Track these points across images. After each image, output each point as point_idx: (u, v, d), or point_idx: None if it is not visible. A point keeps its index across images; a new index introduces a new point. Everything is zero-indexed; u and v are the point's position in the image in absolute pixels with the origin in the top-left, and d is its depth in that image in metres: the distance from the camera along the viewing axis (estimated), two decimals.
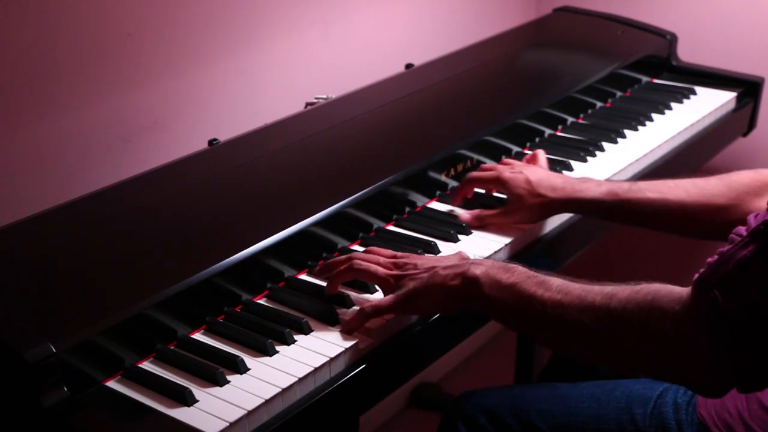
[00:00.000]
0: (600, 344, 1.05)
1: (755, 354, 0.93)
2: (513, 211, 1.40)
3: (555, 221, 1.45)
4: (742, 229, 0.96)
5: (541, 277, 1.10)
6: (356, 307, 1.19)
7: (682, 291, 0.98)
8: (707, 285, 0.94)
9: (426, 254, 1.29)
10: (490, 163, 1.51)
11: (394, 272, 1.18)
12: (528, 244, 1.41)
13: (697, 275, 0.96)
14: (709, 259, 0.96)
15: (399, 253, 1.23)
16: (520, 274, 1.11)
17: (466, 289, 1.13)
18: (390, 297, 1.16)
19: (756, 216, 0.96)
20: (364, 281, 1.21)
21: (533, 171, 1.43)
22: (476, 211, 1.41)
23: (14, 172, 1.45)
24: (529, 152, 1.66)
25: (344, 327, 1.15)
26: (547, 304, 1.06)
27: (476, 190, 1.48)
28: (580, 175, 1.49)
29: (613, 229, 1.57)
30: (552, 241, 1.44)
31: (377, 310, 1.15)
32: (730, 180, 1.37)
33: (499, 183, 1.42)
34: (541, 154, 1.52)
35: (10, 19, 1.39)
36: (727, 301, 0.92)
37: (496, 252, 1.34)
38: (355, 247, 1.34)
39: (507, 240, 1.37)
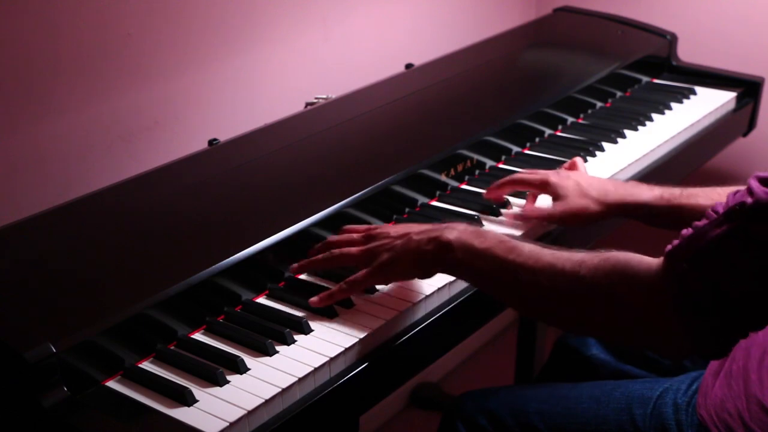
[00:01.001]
0: (568, 310, 1.07)
1: (717, 326, 0.96)
2: (562, 213, 1.37)
3: None
4: (720, 206, 0.97)
5: (513, 242, 1.11)
6: (356, 306, 1.19)
7: (652, 261, 1.00)
8: (678, 258, 0.97)
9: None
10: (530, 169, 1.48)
11: (369, 246, 1.20)
12: (537, 238, 1.40)
13: (669, 246, 0.98)
14: (684, 231, 0.97)
15: (373, 226, 1.24)
16: (492, 239, 1.12)
17: (440, 254, 1.15)
18: (365, 270, 1.17)
19: (735, 194, 0.96)
20: (344, 266, 1.22)
21: (581, 175, 1.42)
22: (520, 211, 1.40)
23: (14, 172, 1.45)
24: (529, 152, 1.66)
25: (320, 296, 1.16)
26: (518, 270, 1.08)
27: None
28: None
29: (619, 225, 1.57)
30: (560, 235, 1.43)
31: (353, 283, 1.16)
32: None
33: (545, 186, 1.40)
34: (580, 162, 1.50)
35: (10, 19, 1.39)
36: (695, 277, 0.95)
37: None
38: None
39: (517, 233, 1.37)
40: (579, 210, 1.37)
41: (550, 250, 1.09)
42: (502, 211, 1.42)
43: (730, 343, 0.99)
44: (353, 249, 1.21)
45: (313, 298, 1.17)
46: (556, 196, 1.39)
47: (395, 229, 1.21)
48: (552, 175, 1.41)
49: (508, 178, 1.44)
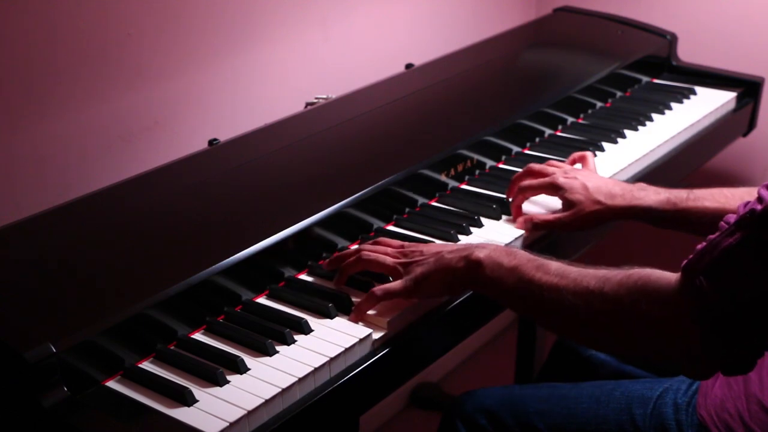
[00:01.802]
0: (593, 327, 1.08)
1: (738, 340, 0.96)
2: (571, 218, 1.38)
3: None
4: (732, 217, 0.97)
5: (541, 260, 1.13)
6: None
7: (671, 276, 1.00)
8: (694, 271, 0.97)
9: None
10: (536, 165, 1.46)
11: (402, 260, 1.21)
12: (538, 238, 1.41)
13: (685, 261, 0.98)
14: (699, 246, 0.98)
15: (406, 243, 1.26)
16: (521, 258, 1.14)
17: (470, 272, 1.16)
18: (399, 281, 1.19)
19: (746, 204, 0.96)
20: (373, 271, 1.23)
21: (588, 176, 1.41)
22: (529, 216, 1.39)
23: (14, 172, 1.45)
24: (529, 152, 1.66)
25: (355, 311, 1.17)
26: (544, 287, 1.10)
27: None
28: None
29: (619, 226, 1.57)
30: (564, 234, 1.43)
31: (387, 293, 1.18)
32: None
33: (555, 188, 1.40)
34: (590, 156, 1.50)
35: (10, 19, 1.39)
36: (712, 289, 0.95)
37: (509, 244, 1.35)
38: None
39: (517, 233, 1.38)
40: (587, 215, 1.37)
41: (577, 268, 1.09)
42: (516, 222, 1.41)
43: (755, 356, 0.97)
44: (388, 258, 1.22)
45: (351, 316, 1.17)
46: (564, 200, 1.39)
47: (428, 247, 1.22)
48: (558, 176, 1.41)
49: (518, 190, 1.43)
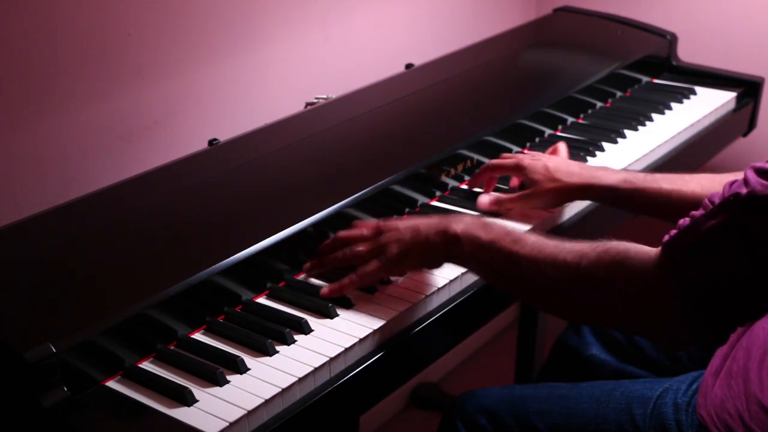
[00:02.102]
0: (570, 300, 1.10)
1: (714, 315, 0.97)
2: (530, 195, 1.41)
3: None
4: (716, 196, 0.97)
5: (518, 234, 1.14)
6: (356, 306, 1.19)
7: (650, 251, 1.02)
8: (674, 248, 0.98)
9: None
10: (508, 153, 1.52)
11: (379, 240, 1.22)
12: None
13: (667, 237, 1.00)
14: (681, 221, 0.98)
15: (381, 221, 1.26)
16: (498, 231, 1.16)
17: (448, 246, 1.18)
18: (375, 262, 1.20)
19: (732, 184, 0.97)
20: (355, 264, 1.23)
21: (552, 158, 1.45)
22: (494, 195, 1.43)
23: (14, 172, 1.45)
24: (529, 152, 1.66)
25: (332, 285, 1.19)
26: (521, 261, 1.11)
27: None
28: None
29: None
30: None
31: (364, 275, 1.19)
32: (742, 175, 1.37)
33: (519, 169, 1.44)
34: (562, 146, 1.54)
35: (10, 18, 1.39)
36: (692, 268, 0.96)
37: None
38: None
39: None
40: (545, 192, 1.41)
41: (554, 242, 1.11)
42: (478, 199, 1.44)
43: (726, 332, 1.00)
44: (362, 247, 1.23)
45: (324, 289, 1.19)
46: (527, 180, 1.43)
47: (404, 223, 1.24)
48: (524, 159, 1.45)
49: (484, 166, 1.49)
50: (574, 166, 1.43)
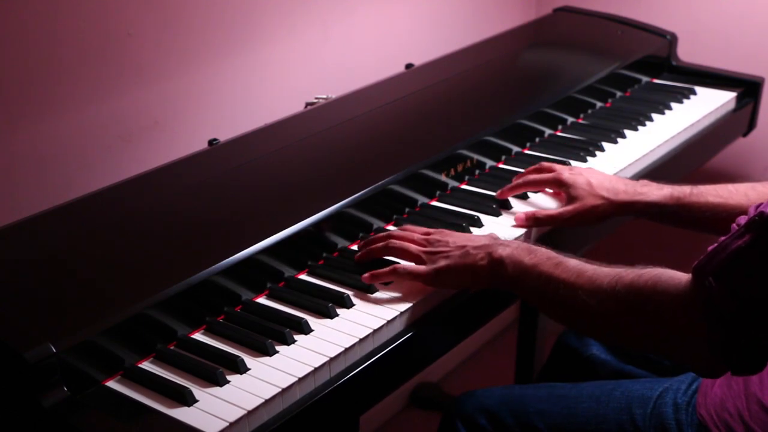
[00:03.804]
0: (606, 324, 1.10)
1: (748, 340, 0.96)
2: (573, 212, 1.39)
3: None
4: (743, 219, 0.97)
5: (560, 258, 1.15)
6: (356, 307, 1.19)
7: (682, 277, 1.01)
8: (704, 273, 0.97)
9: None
10: (546, 163, 1.49)
11: (427, 249, 1.24)
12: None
13: (696, 262, 0.99)
14: (710, 247, 0.98)
15: (432, 230, 1.28)
16: (541, 256, 1.16)
17: (492, 269, 1.19)
18: (423, 267, 1.21)
19: (757, 207, 0.96)
20: (398, 258, 1.25)
21: (593, 173, 1.43)
22: (530, 212, 1.40)
23: (14, 172, 1.45)
24: (529, 152, 1.66)
25: (372, 274, 1.21)
26: (561, 286, 1.12)
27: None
28: None
29: (622, 222, 1.57)
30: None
31: (409, 273, 1.21)
32: None
33: (559, 184, 1.42)
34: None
35: (10, 18, 1.39)
36: (721, 290, 0.95)
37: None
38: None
39: (517, 233, 1.38)
40: (590, 210, 1.39)
41: (593, 266, 1.11)
42: (515, 216, 1.41)
43: (763, 357, 0.98)
44: (413, 246, 1.25)
45: (366, 275, 1.21)
46: (568, 196, 1.41)
47: (453, 239, 1.25)
48: (564, 173, 1.43)
49: (522, 180, 1.45)
50: (618, 182, 1.41)
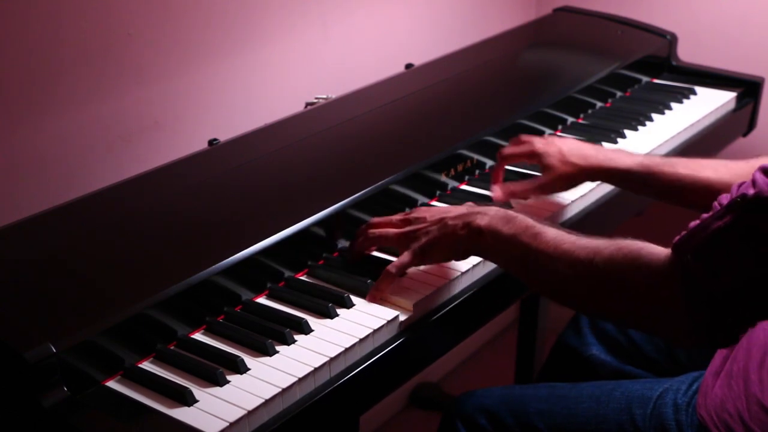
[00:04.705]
0: (583, 296, 1.12)
1: (724, 316, 0.98)
2: (545, 182, 1.42)
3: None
4: (725, 198, 0.98)
5: (538, 228, 1.15)
6: (356, 307, 1.19)
7: (661, 251, 1.03)
8: (683, 250, 0.99)
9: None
10: (524, 135, 1.51)
11: (406, 229, 1.24)
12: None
13: (677, 238, 1.00)
14: (691, 224, 0.99)
15: (410, 210, 1.29)
16: (519, 225, 1.17)
17: (471, 239, 1.20)
18: (407, 253, 1.22)
19: (740, 185, 0.97)
20: (382, 245, 1.27)
21: (566, 142, 1.45)
22: (506, 186, 1.43)
23: (14, 172, 1.45)
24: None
25: (372, 291, 1.20)
26: (539, 256, 1.13)
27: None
28: None
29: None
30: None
31: (399, 267, 1.21)
32: (757, 163, 1.37)
33: (532, 155, 1.45)
34: None
35: (10, 18, 1.39)
36: (700, 268, 0.97)
37: None
38: None
39: None
40: (561, 176, 1.41)
41: (572, 237, 1.12)
42: (492, 193, 1.45)
43: (737, 332, 1.00)
44: (391, 231, 1.26)
45: (369, 296, 1.21)
46: (542, 165, 1.43)
47: (430, 213, 1.25)
48: (537, 143, 1.45)
49: (499, 157, 1.48)
50: (589, 148, 1.43)
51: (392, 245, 1.26)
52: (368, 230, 1.28)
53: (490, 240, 1.18)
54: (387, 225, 1.28)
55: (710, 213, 0.98)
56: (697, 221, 0.99)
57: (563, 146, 1.43)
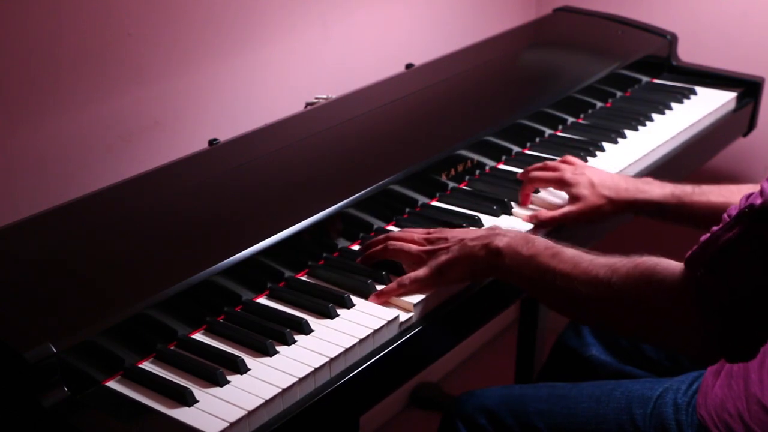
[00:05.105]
0: (601, 314, 1.12)
1: (739, 329, 0.98)
2: (576, 212, 1.41)
3: None
4: (734, 210, 0.98)
5: (557, 248, 1.16)
6: (357, 307, 1.19)
7: (676, 267, 1.03)
8: (695, 263, 0.99)
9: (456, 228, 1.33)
10: (552, 162, 1.50)
11: (427, 248, 1.24)
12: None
13: (689, 253, 1.01)
14: (702, 237, 0.99)
15: (432, 229, 1.29)
16: (539, 246, 1.17)
17: (490, 260, 1.20)
18: (424, 269, 1.21)
19: (748, 197, 0.97)
20: (399, 260, 1.26)
21: (596, 172, 1.44)
22: (533, 212, 1.42)
23: (14, 172, 1.45)
24: (529, 152, 1.66)
25: (380, 294, 1.20)
26: (557, 276, 1.13)
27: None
28: None
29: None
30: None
31: (414, 281, 1.20)
32: None
33: (562, 184, 1.44)
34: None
35: (10, 18, 1.39)
36: (712, 281, 0.97)
37: None
38: (355, 247, 1.34)
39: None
40: (592, 209, 1.40)
41: (590, 256, 1.13)
42: (515, 211, 1.43)
43: (756, 345, 0.99)
44: (412, 247, 1.25)
45: (371, 298, 1.20)
46: (571, 195, 1.42)
47: (452, 234, 1.25)
48: (567, 172, 1.44)
49: (527, 180, 1.47)
50: (621, 181, 1.43)
51: (411, 260, 1.25)
52: (389, 241, 1.27)
53: (508, 261, 1.18)
54: (408, 240, 1.27)
55: (720, 226, 0.98)
56: (708, 234, 0.99)
57: (594, 177, 1.42)
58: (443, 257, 1.22)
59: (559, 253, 1.15)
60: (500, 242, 1.19)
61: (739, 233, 0.94)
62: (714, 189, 1.38)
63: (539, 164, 1.50)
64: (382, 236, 1.29)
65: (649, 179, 1.44)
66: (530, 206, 1.46)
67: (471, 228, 1.33)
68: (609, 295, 1.08)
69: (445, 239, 1.25)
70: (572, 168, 1.46)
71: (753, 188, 1.35)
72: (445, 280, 1.22)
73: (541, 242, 1.18)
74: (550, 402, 1.38)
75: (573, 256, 1.14)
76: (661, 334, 1.07)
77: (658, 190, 1.40)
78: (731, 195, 1.36)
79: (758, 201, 0.94)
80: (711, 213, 1.35)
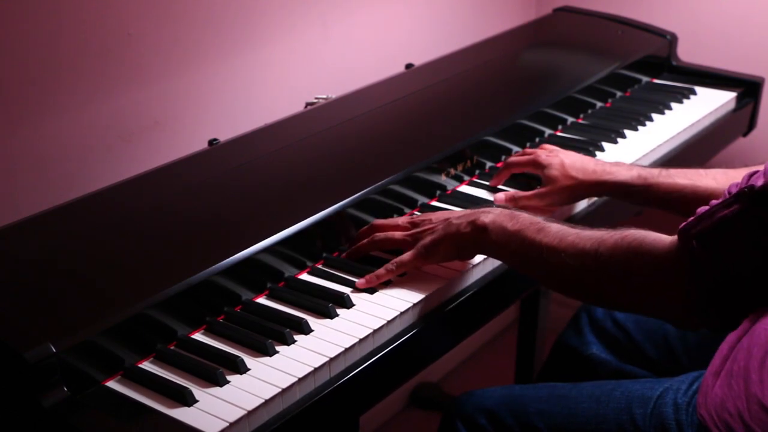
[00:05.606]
0: (589, 286, 1.14)
1: (725, 303, 1.01)
2: (546, 192, 1.44)
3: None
4: (735, 186, 0.99)
5: (543, 223, 1.18)
6: (356, 307, 1.19)
7: (666, 238, 1.05)
8: (689, 235, 1.01)
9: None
10: (529, 148, 1.56)
11: (412, 231, 1.27)
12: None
13: (683, 224, 1.02)
14: (699, 209, 1.00)
15: (416, 214, 1.32)
16: (524, 221, 1.19)
17: (477, 237, 1.22)
18: (410, 252, 1.24)
19: (751, 175, 0.99)
20: (387, 248, 1.28)
21: (568, 155, 1.48)
22: (510, 193, 1.46)
23: (14, 172, 1.45)
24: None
25: (368, 278, 1.22)
26: (544, 250, 1.15)
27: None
28: None
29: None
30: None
31: (400, 264, 1.23)
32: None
33: (535, 166, 1.47)
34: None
35: (11, 18, 1.39)
36: (704, 254, 0.99)
37: None
38: None
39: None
40: (562, 189, 1.43)
41: (576, 230, 1.15)
42: (495, 196, 1.47)
43: (737, 318, 1.03)
44: (397, 233, 1.28)
45: (360, 281, 1.22)
46: (544, 177, 1.46)
47: (436, 215, 1.29)
48: (540, 155, 1.48)
49: (504, 164, 1.52)
50: (590, 162, 1.46)
51: (398, 247, 1.27)
52: (373, 233, 1.29)
53: (494, 236, 1.20)
54: (392, 227, 1.29)
55: (719, 201, 0.99)
56: (706, 207, 1.01)
57: (566, 159, 1.45)
58: (429, 238, 1.24)
59: (544, 228, 1.17)
60: (486, 218, 1.21)
61: (737, 211, 0.96)
62: (680, 172, 1.40)
63: (517, 153, 1.54)
64: (366, 228, 1.31)
65: (618, 162, 1.47)
66: (502, 186, 1.51)
67: (454, 209, 1.34)
68: (596, 266, 1.10)
69: (430, 221, 1.27)
70: (545, 151, 1.49)
71: (722, 172, 1.38)
72: (432, 259, 1.24)
73: (526, 218, 1.20)
74: (550, 402, 1.38)
75: (559, 230, 1.15)
76: (645, 303, 1.09)
77: (626, 172, 1.42)
78: (698, 178, 1.38)
79: (759, 182, 0.95)
80: (677, 194, 1.38)
